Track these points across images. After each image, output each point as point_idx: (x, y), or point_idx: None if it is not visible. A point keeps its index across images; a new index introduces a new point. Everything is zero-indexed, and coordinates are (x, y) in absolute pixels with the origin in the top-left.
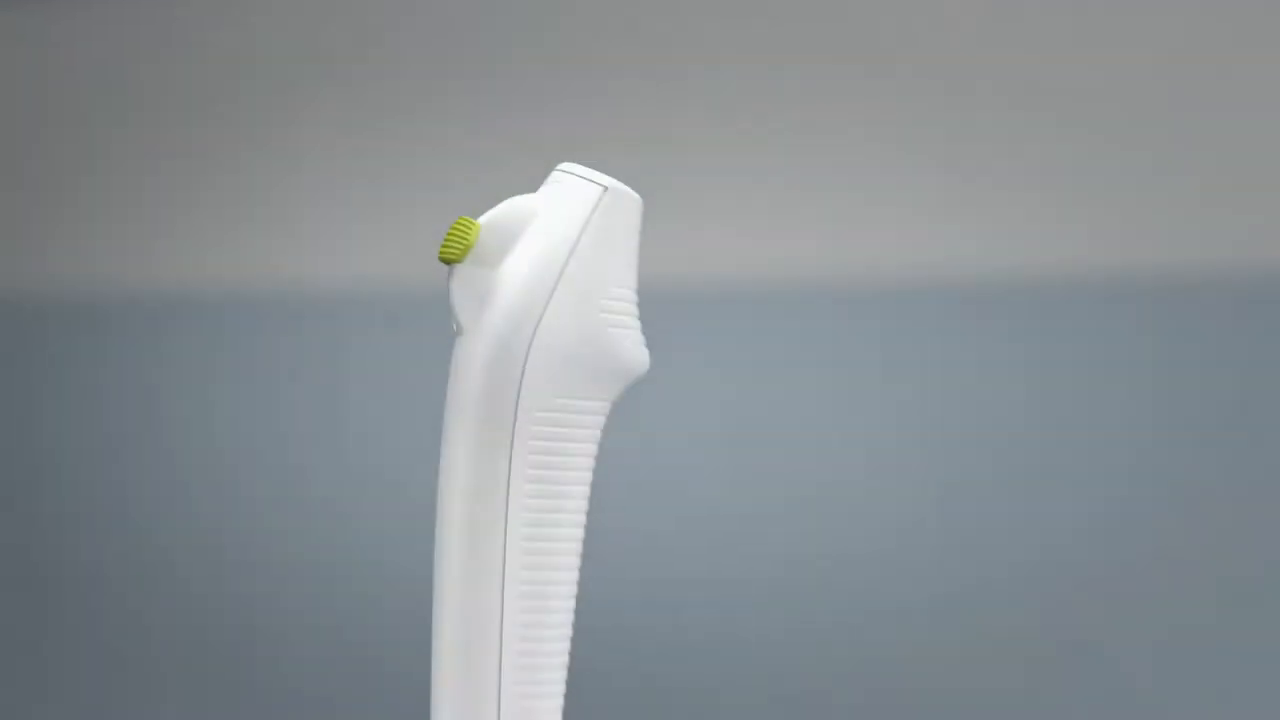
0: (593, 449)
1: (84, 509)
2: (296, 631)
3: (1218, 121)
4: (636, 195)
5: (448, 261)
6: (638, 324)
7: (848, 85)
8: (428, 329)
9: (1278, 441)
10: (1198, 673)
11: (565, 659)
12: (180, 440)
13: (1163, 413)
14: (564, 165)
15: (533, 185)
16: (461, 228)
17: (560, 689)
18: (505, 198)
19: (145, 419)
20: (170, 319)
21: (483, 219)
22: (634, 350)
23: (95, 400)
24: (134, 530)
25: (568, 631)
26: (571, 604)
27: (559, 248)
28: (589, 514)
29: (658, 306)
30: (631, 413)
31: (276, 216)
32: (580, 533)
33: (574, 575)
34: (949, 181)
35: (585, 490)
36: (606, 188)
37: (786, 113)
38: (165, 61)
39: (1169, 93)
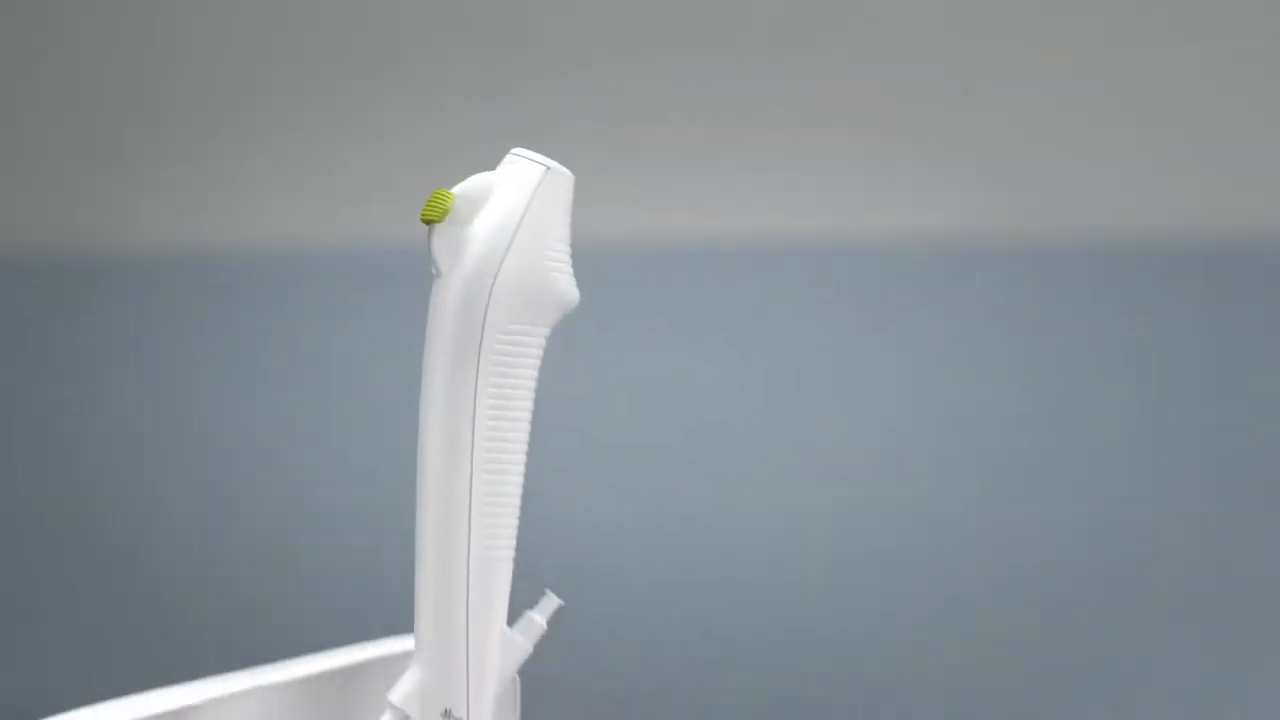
0: (537, 364)
1: (51, 461)
2: (295, 518)
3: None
4: (570, 173)
5: (429, 222)
6: (570, 268)
7: (809, 63)
8: (401, 280)
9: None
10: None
11: (516, 521)
12: (158, 394)
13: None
14: (516, 149)
15: (492, 164)
16: (440, 196)
17: (512, 544)
18: (471, 174)
19: (117, 374)
20: (147, 277)
21: (456, 189)
22: (568, 288)
23: (69, 357)
24: (102, 481)
25: (518, 500)
26: (520, 480)
27: (514, 212)
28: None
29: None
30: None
31: (271, 185)
32: (527, 426)
33: (523, 459)
34: (923, 150)
35: (531, 395)
36: (548, 168)
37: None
38: (146, 34)
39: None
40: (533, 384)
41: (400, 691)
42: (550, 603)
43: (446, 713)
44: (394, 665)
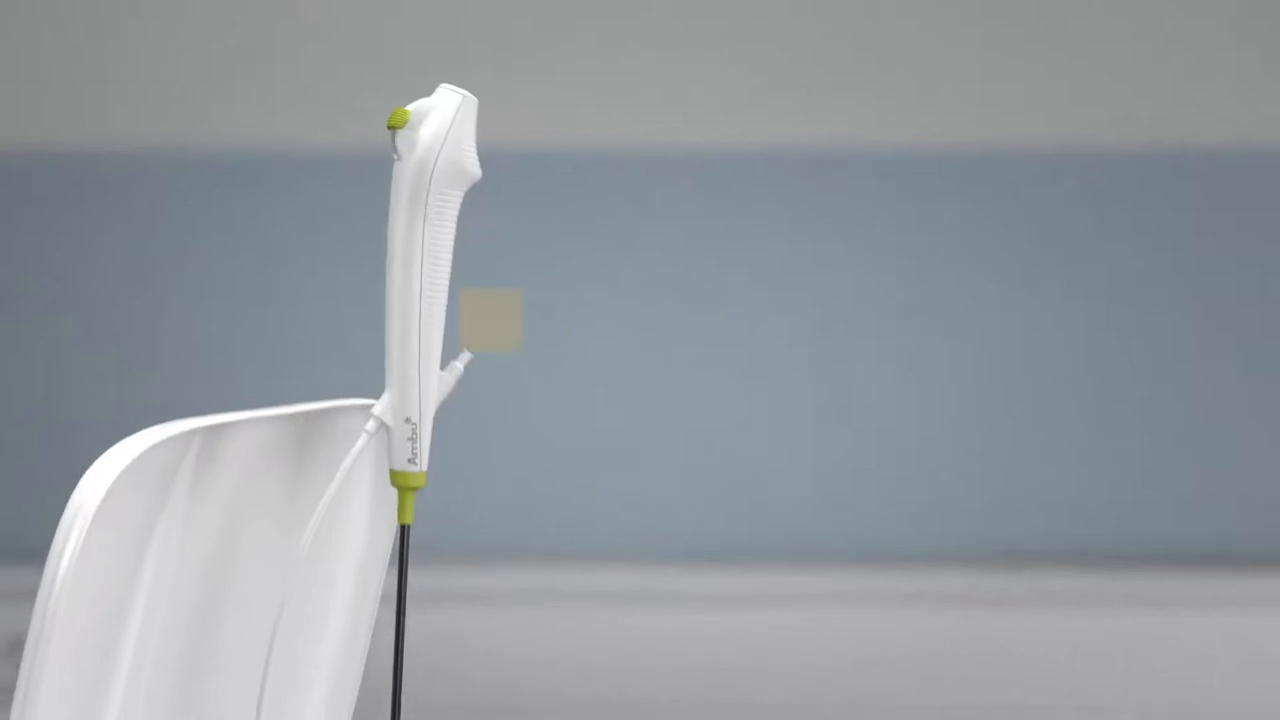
0: (456, 213)
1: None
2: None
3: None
4: (475, 98)
5: (393, 128)
6: (476, 156)
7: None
8: (373, 172)
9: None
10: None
11: (445, 304)
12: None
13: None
14: (444, 85)
15: (428, 91)
16: (400, 112)
17: (442, 319)
18: (417, 99)
19: (87, 271)
20: (110, 175)
21: (409, 107)
22: (476, 167)
23: (35, 255)
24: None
25: (446, 291)
26: (448, 280)
27: (445, 122)
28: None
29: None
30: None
31: (265, 86)
32: (451, 249)
33: (449, 268)
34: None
35: (453, 231)
36: (464, 96)
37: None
38: None
39: None
40: (454, 225)
41: (379, 406)
42: (465, 356)
43: (407, 419)
44: (358, 412)
